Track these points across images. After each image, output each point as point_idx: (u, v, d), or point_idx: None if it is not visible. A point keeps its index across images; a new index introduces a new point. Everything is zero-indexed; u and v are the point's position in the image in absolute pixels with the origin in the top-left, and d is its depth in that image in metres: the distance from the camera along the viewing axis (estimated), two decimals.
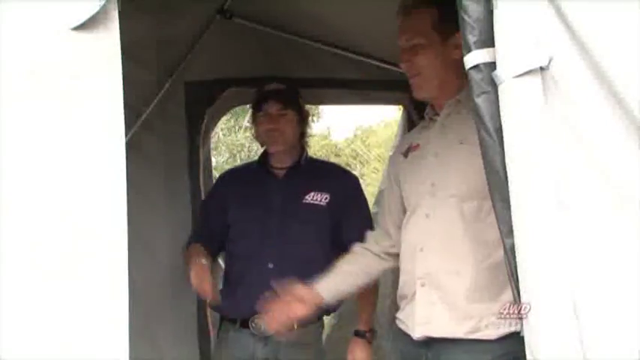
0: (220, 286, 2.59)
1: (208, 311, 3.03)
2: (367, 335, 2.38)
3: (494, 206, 1.34)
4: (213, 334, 2.99)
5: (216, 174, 3.54)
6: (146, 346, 2.83)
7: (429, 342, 1.82)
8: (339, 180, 2.60)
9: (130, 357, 1.23)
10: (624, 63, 1.17)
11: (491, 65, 1.28)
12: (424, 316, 1.82)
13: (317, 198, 2.53)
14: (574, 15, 1.21)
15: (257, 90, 2.64)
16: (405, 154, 2.05)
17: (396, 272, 2.04)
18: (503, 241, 1.32)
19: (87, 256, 1.23)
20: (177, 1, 2.83)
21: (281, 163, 2.60)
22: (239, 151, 12.58)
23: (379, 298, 2.56)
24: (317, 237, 2.49)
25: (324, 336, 2.76)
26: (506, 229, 1.29)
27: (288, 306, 2.08)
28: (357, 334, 2.39)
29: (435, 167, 1.90)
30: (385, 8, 2.06)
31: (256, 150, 11.92)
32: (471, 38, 1.30)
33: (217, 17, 3.02)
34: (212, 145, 3.98)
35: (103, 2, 1.24)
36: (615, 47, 1.18)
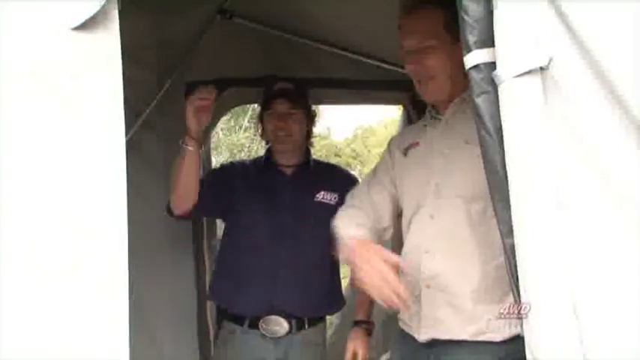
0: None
1: (208, 311, 3.03)
2: (367, 326, 2.39)
3: (494, 206, 1.34)
4: (212, 333, 2.99)
5: None
6: (146, 345, 2.83)
7: (433, 343, 1.81)
8: (346, 181, 2.61)
9: (130, 357, 1.23)
10: (624, 63, 1.17)
11: (492, 65, 1.28)
12: (430, 318, 1.81)
13: (327, 197, 2.55)
14: (574, 15, 1.21)
15: (265, 89, 2.64)
16: (405, 152, 2.01)
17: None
18: (503, 241, 1.32)
19: (87, 256, 1.23)
20: (177, 1, 2.83)
21: (287, 161, 2.60)
22: (239, 151, 12.57)
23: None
24: (328, 236, 2.49)
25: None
26: (506, 229, 1.29)
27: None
28: (357, 324, 2.39)
29: (441, 167, 1.85)
30: (385, 8, 2.06)
31: (256, 150, 11.93)
32: (471, 38, 1.30)
33: (217, 17, 3.02)
34: (212, 145, 3.99)
35: (103, 2, 1.24)
36: (615, 47, 1.18)
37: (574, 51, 1.21)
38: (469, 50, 1.31)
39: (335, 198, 2.54)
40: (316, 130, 2.76)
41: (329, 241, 2.46)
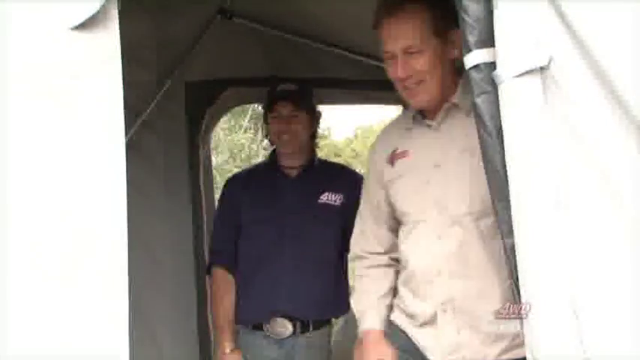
0: None
1: (209, 311, 3.03)
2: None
3: (494, 206, 1.34)
4: (213, 334, 2.99)
5: (216, 174, 3.54)
6: (146, 345, 2.83)
7: None
8: (351, 181, 2.59)
9: (130, 357, 1.23)
10: (624, 63, 1.17)
11: (492, 65, 1.28)
12: (453, 344, 1.71)
13: (332, 198, 2.53)
14: (574, 15, 1.21)
15: (269, 90, 2.63)
16: (391, 162, 1.86)
17: None
18: (503, 241, 1.32)
19: (87, 256, 1.23)
20: (177, 1, 2.83)
21: (292, 163, 2.59)
22: (239, 151, 12.57)
23: None
24: (333, 237, 2.48)
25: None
26: (507, 229, 1.29)
27: None
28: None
29: (438, 180, 1.73)
30: None
31: (256, 150, 11.93)
32: (471, 38, 1.30)
33: (217, 17, 3.02)
34: (212, 145, 3.99)
35: (102, 2, 1.24)
36: (615, 47, 1.18)
37: (574, 51, 1.21)
38: (469, 50, 1.31)
39: (340, 199, 2.53)
40: None
41: (334, 241, 2.47)
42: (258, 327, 2.46)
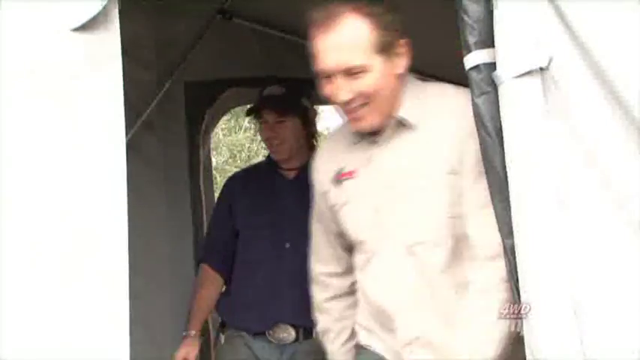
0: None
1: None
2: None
3: (494, 206, 1.34)
4: (213, 335, 2.99)
5: (216, 174, 3.54)
6: (146, 345, 2.83)
7: None
8: None
9: (131, 357, 1.23)
10: (624, 63, 1.17)
11: (492, 65, 1.28)
12: None
13: None
14: (574, 15, 1.21)
15: (258, 93, 2.61)
16: (336, 182, 1.66)
17: None
18: (503, 242, 1.32)
19: (87, 256, 1.23)
20: (177, 2, 2.83)
21: (289, 164, 2.56)
22: (239, 151, 12.58)
23: None
24: None
25: None
26: (507, 230, 1.29)
27: None
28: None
29: (388, 207, 1.55)
30: None
31: (256, 150, 11.94)
32: (471, 39, 1.30)
33: (217, 17, 3.02)
34: (212, 145, 3.99)
35: (104, 3, 1.24)
36: (615, 47, 1.18)
37: (574, 51, 1.21)
38: (469, 51, 1.31)
39: None
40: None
41: None
42: (260, 333, 2.44)
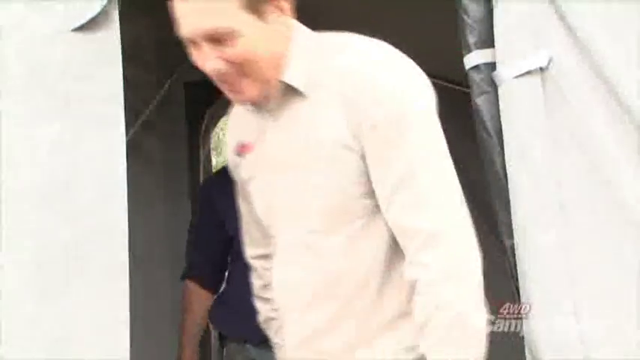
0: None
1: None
2: None
3: (493, 206, 1.34)
4: (213, 336, 2.99)
5: None
6: (146, 346, 2.83)
7: None
8: None
9: (131, 357, 1.23)
10: (624, 63, 1.17)
11: (492, 65, 1.28)
12: None
13: None
14: (574, 15, 1.21)
15: None
16: (239, 153, 1.40)
17: None
18: (503, 242, 1.32)
19: (87, 256, 1.23)
20: None
21: None
22: None
23: None
24: None
25: None
26: (506, 230, 1.29)
27: None
28: None
29: (283, 188, 1.30)
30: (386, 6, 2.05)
31: None
32: (471, 39, 1.30)
33: None
34: (212, 145, 3.99)
35: (104, 4, 1.24)
36: (615, 47, 1.18)
37: (574, 51, 1.21)
38: (469, 51, 1.31)
39: None
40: None
41: None
42: (264, 341, 2.41)
